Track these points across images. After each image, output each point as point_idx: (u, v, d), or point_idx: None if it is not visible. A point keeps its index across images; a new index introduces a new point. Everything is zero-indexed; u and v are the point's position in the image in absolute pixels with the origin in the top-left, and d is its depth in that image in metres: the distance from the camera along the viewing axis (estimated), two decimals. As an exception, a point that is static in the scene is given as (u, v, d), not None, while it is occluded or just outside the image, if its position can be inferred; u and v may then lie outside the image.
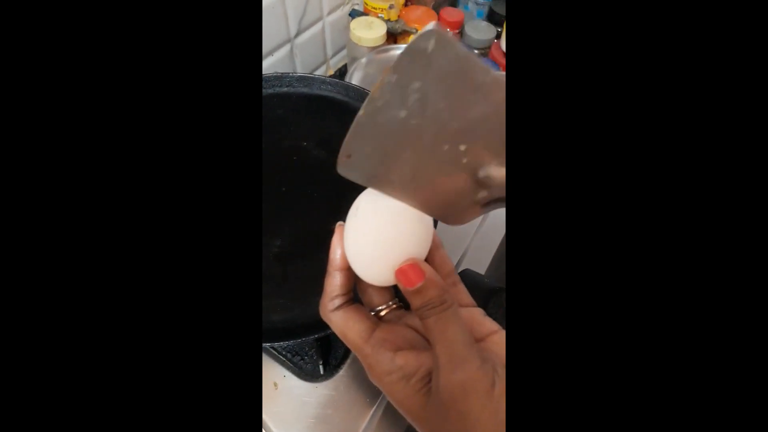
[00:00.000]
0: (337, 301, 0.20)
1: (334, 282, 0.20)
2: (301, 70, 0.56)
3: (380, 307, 0.21)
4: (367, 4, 0.57)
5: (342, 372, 0.30)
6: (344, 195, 0.34)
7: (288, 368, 0.30)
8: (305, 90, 0.38)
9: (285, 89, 0.38)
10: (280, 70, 0.53)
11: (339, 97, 0.38)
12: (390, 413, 0.30)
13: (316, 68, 0.59)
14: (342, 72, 0.62)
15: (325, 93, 0.38)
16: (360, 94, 0.38)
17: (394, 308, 0.22)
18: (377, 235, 0.18)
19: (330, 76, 0.62)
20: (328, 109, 0.38)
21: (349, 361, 0.31)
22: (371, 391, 0.30)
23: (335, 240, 0.20)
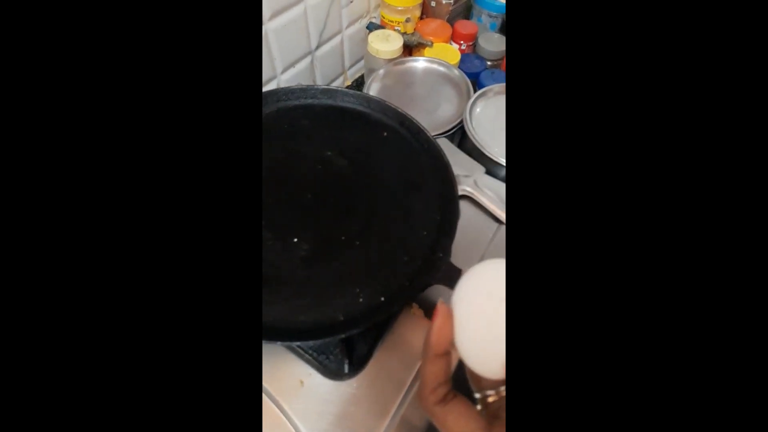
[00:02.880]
0: (441, 391, 0.18)
1: (437, 369, 0.18)
2: (320, 81, 0.58)
3: (489, 392, 0.18)
4: (384, 17, 0.59)
5: (366, 370, 0.32)
6: (364, 202, 0.36)
7: (313, 366, 0.32)
8: (329, 102, 0.40)
9: (310, 101, 0.40)
10: (301, 80, 0.55)
11: (361, 108, 0.40)
12: (411, 411, 0.31)
13: (335, 79, 0.61)
14: (359, 82, 0.64)
15: (348, 105, 0.40)
16: (380, 106, 0.39)
17: (504, 395, 0.18)
18: (495, 321, 0.16)
19: (347, 87, 0.65)
20: (351, 120, 0.40)
21: (372, 360, 0.32)
22: (394, 390, 0.31)
23: (440, 323, 0.18)
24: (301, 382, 0.31)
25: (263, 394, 0.31)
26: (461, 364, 0.19)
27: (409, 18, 0.58)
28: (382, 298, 0.31)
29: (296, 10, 0.48)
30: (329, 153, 0.38)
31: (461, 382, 0.19)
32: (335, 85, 0.61)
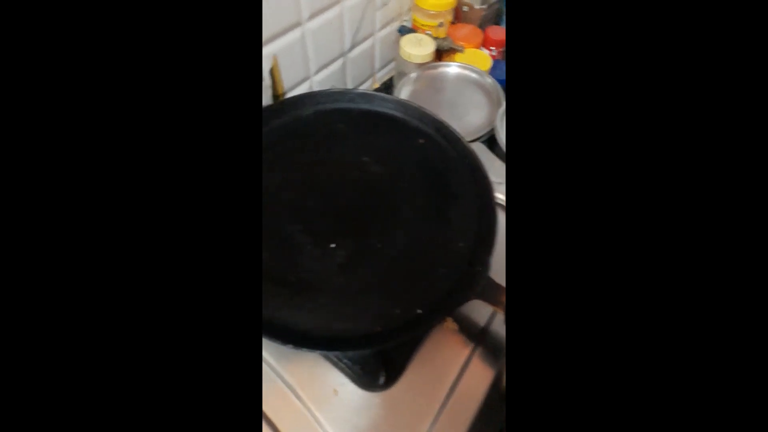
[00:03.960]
0: None
1: None
2: (350, 83, 0.58)
3: None
4: (416, 21, 0.59)
5: (399, 383, 0.31)
6: (401, 211, 0.35)
7: (348, 376, 0.31)
8: (366, 106, 0.40)
9: (346, 104, 0.40)
10: (333, 82, 0.55)
11: (398, 114, 0.40)
12: (445, 427, 0.31)
13: (364, 81, 0.60)
14: (387, 86, 0.64)
15: (385, 110, 0.40)
16: (418, 113, 0.39)
17: None
18: None
19: (376, 89, 0.64)
20: (387, 125, 0.39)
21: (406, 372, 0.32)
22: (427, 404, 0.31)
23: None
24: (335, 391, 0.31)
25: (297, 400, 0.31)
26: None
27: (442, 23, 0.57)
28: (419, 311, 0.31)
29: (334, 11, 0.47)
30: (366, 159, 0.37)
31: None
32: (364, 87, 0.61)
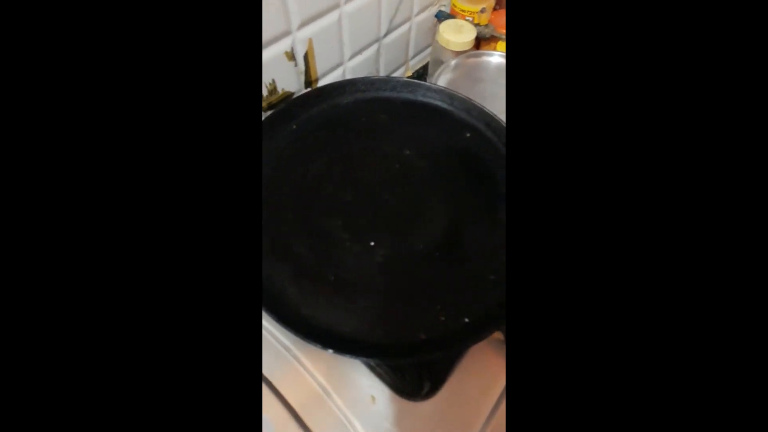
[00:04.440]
0: None
1: None
2: (383, 70, 0.55)
3: None
4: (455, 6, 0.56)
5: (441, 393, 0.29)
6: (445, 210, 0.33)
7: (386, 383, 0.30)
8: (409, 96, 0.37)
9: (388, 93, 0.37)
10: (367, 68, 0.52)
11: (443, 105, 0.37)
12: (489, 442, 0.29)
13: (397, 68, 0.58)
14: (419, 74, 0.61)
15: (430, 100, 0.37)
16: (464, 104, 0.36)
17: None
18: None
19: (408, 77, 0.61)
20: (431, 117, 0.37)
21: (449, 381, 0.30)
22: (471, 416, 0.29)
23: None
24: (373, 398, 0.29)
25: (333, 407, 0.29)
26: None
27: (484, 8, 0.54)
28: (466, 320, 0.29)
29: (372, -6, 0.44)
30: (408, 152, 0.35)
31: None
32: (396, 75, 0.58)
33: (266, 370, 0.31)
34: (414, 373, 0.29)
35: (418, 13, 0.54)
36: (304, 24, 0.40)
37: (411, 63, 0.60)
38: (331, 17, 0.42)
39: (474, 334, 0.27)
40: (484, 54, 0.52)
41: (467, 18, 0.55)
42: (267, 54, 0.38)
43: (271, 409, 0.30)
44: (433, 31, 0.59)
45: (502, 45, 0.53)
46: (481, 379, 0.30)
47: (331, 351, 0.26)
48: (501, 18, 0.55)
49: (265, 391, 0.30)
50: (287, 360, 0.31)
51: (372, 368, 0.30)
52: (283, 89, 0.43)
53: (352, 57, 0.49)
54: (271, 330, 0.32)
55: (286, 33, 0.39)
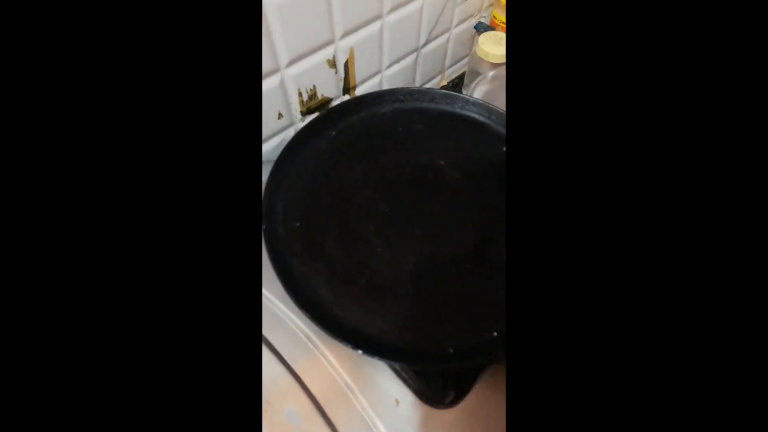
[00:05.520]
0: None
1: None
2: (420, 79, 0.56)
3: None
4: (495, 18, 0.56)
5: (464, 403, 0.30)
6: (477, 223, 0.33)
7: (411, 388, 0.30)
8: (447, 108, 0.38)
9: (427, 104, 0.38)
10: (403, 77, 0.53)
11: (480, 118, 0.37)
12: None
13: (432, 78, 0.58)
14: (455, 84, 0.61)
15: (467, 113, 0.38)
16: (503, 118, 0.37)
17: None
18: None
19: (443, 87, 0.62)
20: (468, 129, 0.37)
21: (472, 393, 0.30)
22: (492, 427, 0.29)
23: None
24: (397, 402, 0.30)
25: (358, 406, 0.30)
26: None
27: (523, 21, 0.54)
28: (495, 333, 0.29)
29: (414, 5, 0.45)
30: (443, 162, 0.36)
31: None
32: (432, 84, 0.59)
33: (291, 361, 0.32)
34: (439, 380, 0.30)
35: (458, 24, 0.55)
36: (347, 33, 0.41)
37: (447, 72, 0.61)
38: (373, 27, 0.44)
39: (502, 349, 0.27)
40: (521, 67, 0.52)
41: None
42: (310, 61, 0.40)
43: (294, 399, 0.31)
44: (471, 41, 0.59)
45: (540, 58, 0.53)
46: (504, 392, 0.30)
47: (360, 352, 0.27)
48: (541, 31, 0.55)
49: (290, 382, 0.31)
50: (314, 355, 0.32)
51: (397, 372, 0.31)
52: (322, 95, 0.45)
53: (390, 66, 0.50)
54: (297, 322, 0.33)
55: (329, 42, 0.40)
